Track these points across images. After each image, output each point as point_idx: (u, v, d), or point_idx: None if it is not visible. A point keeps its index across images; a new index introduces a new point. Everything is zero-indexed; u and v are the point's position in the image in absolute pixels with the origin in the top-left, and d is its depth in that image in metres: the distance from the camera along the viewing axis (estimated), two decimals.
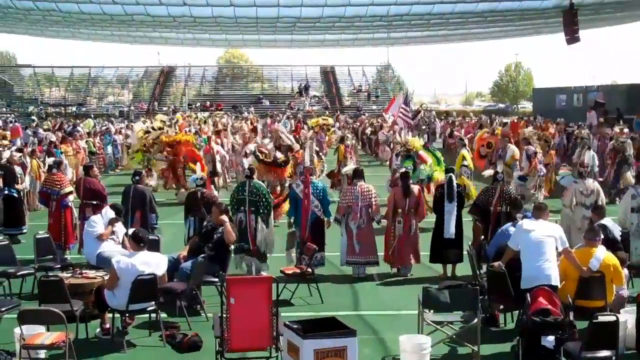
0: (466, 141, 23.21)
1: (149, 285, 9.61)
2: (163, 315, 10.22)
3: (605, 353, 8.07)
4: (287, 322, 7.99)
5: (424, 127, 45.63)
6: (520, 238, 9.71)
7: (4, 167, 16.84)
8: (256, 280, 9.31)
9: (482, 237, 12.57)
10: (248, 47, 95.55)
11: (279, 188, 18.30)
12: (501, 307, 10.34)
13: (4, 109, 64.38)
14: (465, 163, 19.12)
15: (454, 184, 13.31)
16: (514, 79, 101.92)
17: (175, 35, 68.96)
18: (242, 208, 12.79)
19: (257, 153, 19.14)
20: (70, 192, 14.80)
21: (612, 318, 8.16)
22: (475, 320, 9.05)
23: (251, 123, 37.69)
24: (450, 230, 13.06)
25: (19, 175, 17.20)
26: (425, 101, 75.36)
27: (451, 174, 13.56)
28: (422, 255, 13.45)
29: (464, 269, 12.75)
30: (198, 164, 19.52)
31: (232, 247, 11.98)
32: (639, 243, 13.21)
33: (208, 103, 69.41)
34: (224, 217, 11.71)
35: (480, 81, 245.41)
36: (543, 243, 9.45)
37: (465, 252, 12.56)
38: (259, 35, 67.84)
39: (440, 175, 16.48)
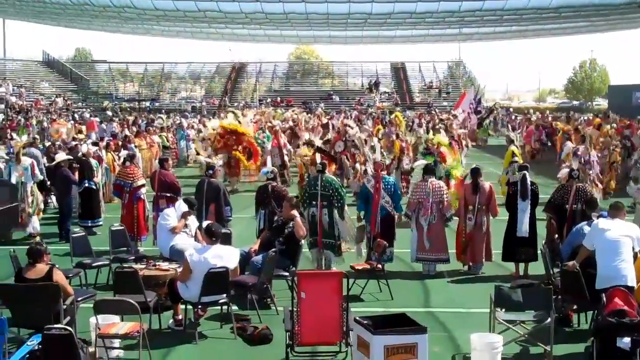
0: (515, 137, 22.89)
1: (221, 278, 9.72)
2: (234, 307, 10.34)
3: None
4: (357, 318, 7.98)
5: (499, 124, 45.18)
6: (595, 237, 9.49)
7: (81, 160, 17.22)
8: (327, 275, 9.34)
9: (556, 235, 12.35)
10: (318, 44, 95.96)
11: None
12: (575, 307, 10.16)
13: (80, 104, 65.83)
14: (515, 159, 19.01)
15: (528, 182, 13.08)
16: (589, 76, 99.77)
17: (247, 32, 69.69)
18: (314, 202, 12.82)
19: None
20: (143, 185, 15.05)
21: None
22: (549, 319, 8.91)
23: (318, 118, 37.85)
24: (523, 228, 12.84)
25: (95, 168, 17.57)
26: (497, 98, 74.52)
27: (525, 171, 13.33)
28: (494, 253, 13.29)
29: (536, 268, 12.55)
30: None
31: (303, 241, 12.03)
32: None
33: (278, 99, 69.85)
34: (295, 212, 11.77)
35: (553, 77, 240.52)
36: (619, 243, 9.23)
37: (538, 251, 12.35)
38: (330, 32, 68.06)
39: (458, 172, 17.07)
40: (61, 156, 16.94)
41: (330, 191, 12.84)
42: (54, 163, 17.55)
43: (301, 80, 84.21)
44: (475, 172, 13.46)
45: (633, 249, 9.32)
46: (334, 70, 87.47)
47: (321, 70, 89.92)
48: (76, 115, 47.33)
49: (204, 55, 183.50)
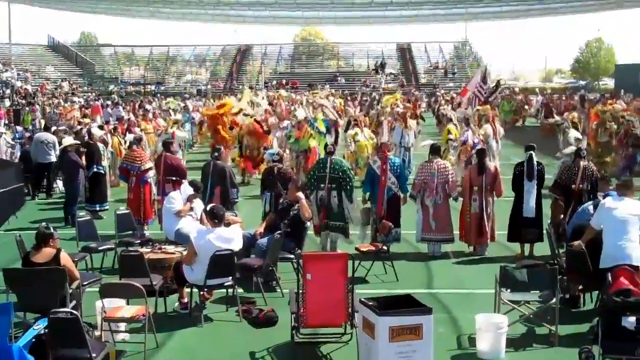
0: (452, 116, 23.03)
1: (227, 261, 9.74)
2: (240, 290, 10.37)
3: None
4: (362, 299, 8.00)
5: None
6: (602, 216, 9.43)
7: (89, 144, 17.22)
8: (332, 256, 9.34)
9: (562, 215, 12.33)
10: (324, 25, 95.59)
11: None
12: (580, 287, 10.16)
13: (86, 88, 65.81)
14: (451, 137, 19.77)
15: (534, 162, 13.03)
16: (595, 55, 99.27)
17: (252, 13, 69.45)
18: (322, 185, 12.81)
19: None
20: (150, 168, 15.05)
21: None
22: (554, 299, 8.92)
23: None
24: (529, 209, 12.82)
25: (102, 152, 17.58)
26: (504, 77, 73.96)
27: (531, 151, 13.27)
28: (500, 234, 13.29)
29: (542, 249, 12.54)
30: None
31: (308, 223, 12.03)
32: None
33: (284, 81, 69.64)
34: (300, 194, 11.76)
35: (560, 57, 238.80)
36: (626, 222, 9.15)
37: (544, 232, 12.33)
38: (335, 12, 67.78)
39: (314, 143, 17.67)
40: (68, 140, 16.94)
41: (340, 173, 12.82)
42: (60, 147, 17.56)
43: (307, 62, 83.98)
44: (481, 153, 13.44)
45: None
46: (340, 51, 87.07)
47: (327, 52, 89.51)
48: (76, 99, 47.22)
49: (209, 38, 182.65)
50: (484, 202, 12.95)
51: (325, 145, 16.25)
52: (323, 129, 18.71)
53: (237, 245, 9.99)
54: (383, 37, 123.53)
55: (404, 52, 79.65)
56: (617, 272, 8.37)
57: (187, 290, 10.08)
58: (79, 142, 17.10)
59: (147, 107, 35.16)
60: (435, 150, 13.57)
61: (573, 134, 17.55)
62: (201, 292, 10.08)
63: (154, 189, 15.10)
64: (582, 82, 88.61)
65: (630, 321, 7.85)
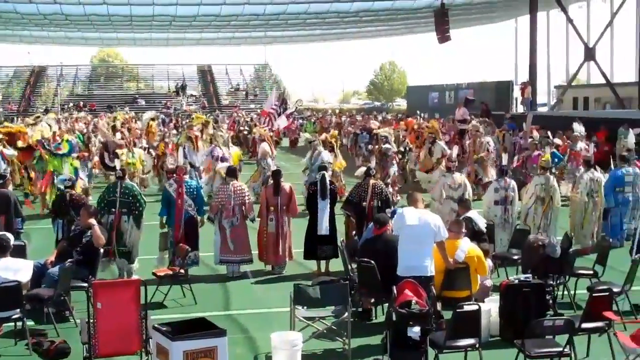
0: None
1: (13, 293, 9.30)
2: (30, 322, 9.92)
3: (468, 341, 8.37)
4: (156, 325, 7.90)
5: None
6: (400, 224, 9.72)
7: None
8: (124, 283, 9.14)
9: (354, 232, 12.79)
10: (122, 46, 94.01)
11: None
12: (372, 300, 10.55)
13: None
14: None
15: (327, 182, 13.44)
16: (389, 77, 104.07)
17: (47, 34, 66.90)
18: (113, 210, 12.56)
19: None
20: None
21: (474, 307, 8.46)
22: (346, 314, 9.21)
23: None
24: (323, 227, 13.17)
25: None
26: (304, 99, 75.87)
27: (324, 172, 13.69)
28: (297, 252, 13.56)
29: (338, 264, 12.91)
30: None
31: (102, 250, 11.73)
32: (503, 234, 13.69)
33: (81, 103, 67.69)
34: (93, 220, 11.45)
35: (357, 80, 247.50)
36: (422, 233, 9.51)
37: (338, 248, 12.69)
38: (134, 34, 66.72)
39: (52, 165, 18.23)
40: None
41: (130, 198, 12.64)
42: None
43: (105, 84, 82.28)
44: (277, 174, 13.69)
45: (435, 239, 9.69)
46: (139, 73, 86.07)
47: (126, 74, 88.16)
48: None
49: (0, 58, 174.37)
50: (280, 222, 13.20)
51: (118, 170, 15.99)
52: (65, 150, 19.05)
53: (24, 275, 9.60)
54: (184, 59, 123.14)
55: (205, 74, 79.93)
56: (402, 285, 8.75)
57: None
58: None
59: None
60: (231, 172, 13.68)
61: (323, 154, 19.06)
62: None
63: None
64: (377, 103, 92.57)
65: (415, 331, 8.28)
